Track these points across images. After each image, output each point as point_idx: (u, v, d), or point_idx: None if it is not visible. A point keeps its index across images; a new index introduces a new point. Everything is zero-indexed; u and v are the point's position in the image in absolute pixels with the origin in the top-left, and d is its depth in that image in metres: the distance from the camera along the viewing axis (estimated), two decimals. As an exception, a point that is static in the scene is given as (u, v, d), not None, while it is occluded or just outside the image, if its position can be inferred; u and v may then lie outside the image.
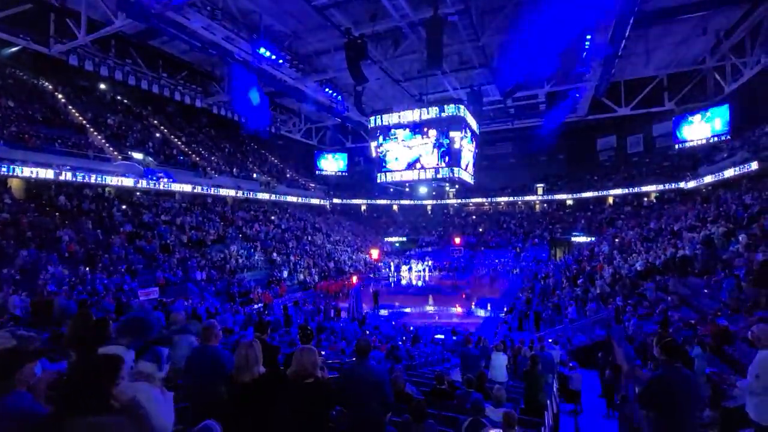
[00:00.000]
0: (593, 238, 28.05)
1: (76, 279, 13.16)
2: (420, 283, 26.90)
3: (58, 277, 12.83)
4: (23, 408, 1.70)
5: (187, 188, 23.30)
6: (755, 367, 3.18)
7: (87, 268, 14.20)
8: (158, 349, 2.15)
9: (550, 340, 12.04)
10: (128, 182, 19.93)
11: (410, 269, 28.76)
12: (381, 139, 13.98)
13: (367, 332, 13.76)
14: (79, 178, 17.71)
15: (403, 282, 27.38)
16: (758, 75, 17.26)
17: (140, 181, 20.39)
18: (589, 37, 13.22)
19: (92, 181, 18.27)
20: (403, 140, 13.56)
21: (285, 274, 21.66)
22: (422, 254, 34.05)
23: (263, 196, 29.26)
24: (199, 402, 2.98)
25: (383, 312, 19.91)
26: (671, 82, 20.85)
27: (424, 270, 29.01)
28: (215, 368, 2.86)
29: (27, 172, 16.07)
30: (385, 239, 38.19)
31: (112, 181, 19.15)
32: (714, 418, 4.64)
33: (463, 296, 23.07)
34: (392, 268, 29.53)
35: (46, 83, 21.18)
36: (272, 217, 28.73)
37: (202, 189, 24.16)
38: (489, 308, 20.15)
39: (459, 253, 32.70)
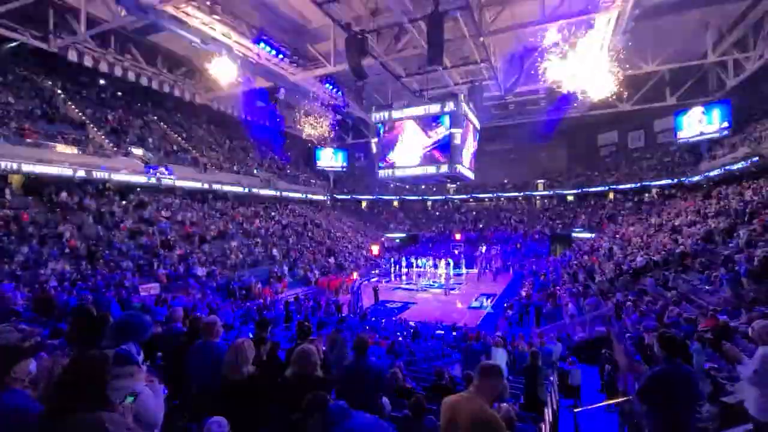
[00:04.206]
0: (594, 234, 28.08)
1: (77, 274, 13.19)
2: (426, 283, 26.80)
3: (59, 272, 12.86)
4: (18, 406, 1.70)
5: (188, 184, 23.31)
6: (755, 363, 3.18)
7: (88, 264, 14.23)
8: (123, 350, 2.16)
9: (551, 335, 12.08)
10: (129, 178, 19.93)
11: (410, 266, 28.55)
12: (381, 134, 13.93)
13: (367, 327, 13.82)
14: (80, 174, 17.72)
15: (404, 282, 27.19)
16: (760, 70, 17.19)
17: (140, 176, 20.39)
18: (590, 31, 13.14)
19: (93, 176, 18.28)
20: (403, 136, 13.52)
21: (285, 269, 21.69)
22: (424, 250, 33.95)
23: (264, 191, 29.27)
24: (200, 397, 2.99)
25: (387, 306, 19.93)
26: (673, 77, 20.78)
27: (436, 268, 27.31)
28: (215, 364, 2.87)
29: (27, 168, 16.07)
30: (386, 235, 38.20)
31: (113, 176, 19.15)
32: (713, 414, 4.66)
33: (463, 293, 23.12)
34: (393, 265, 29.46)
35: (46, 79, 21.11)
36: (272, 213, 28.73)
37: (202, 185, 24.15)
38: (489, 304, 20.20)
39: (460, 248, 32.73)
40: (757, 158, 18.76)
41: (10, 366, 1.77)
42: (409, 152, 13.49)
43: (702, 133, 23.22)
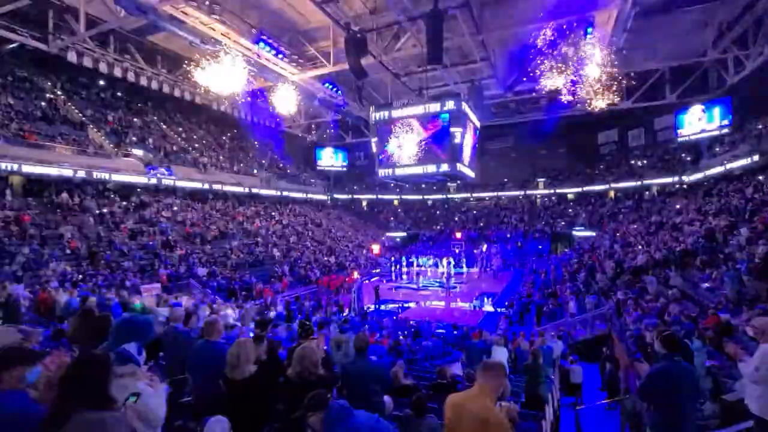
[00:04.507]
0: (595, 232, 28.06)
1: (79, 275, 13.21)
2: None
3: (60, 273, 12.87)
4: (17, 408, 1.68)
5: (188, 184, 23.33)
6: (756, 360, 3.18)
7: (89, 265, 14.25)
8: (121, 349, 2.17)
9: (552, 334, 12.08)
10: (129, 179, 19.95)
11: (410, 265, 28.48)
12: (381, 134, 13.94)
13: (367, 327, 13.81)
14: (80, 175, 17.74)
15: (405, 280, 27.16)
16: (761, 67, 17.13)
17: (141, 177, 20.41)
18: (590, 30, 13.13)
19: (93, 177, 18.30)
20: (403, 135, 13.52)
21: (286, 269, 21.71)
22: (425, 248, 33.90)
23: (264, 191, 29.28)
24: (201, 397, 3.00)
25: (385, 306, 19.94)
26: (673, 74, 20.72)
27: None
28: (217, 364, 2.88)
29: (28, 169, 16.08)
30: (386, 234, 38.22)
31: (113, 177, 19.17)
32: (714, 411, 4.67)
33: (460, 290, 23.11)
34: (393, 264, 29.44)
35: (46, 80, 21.12)
36: (273, 213, 28.75)
37: (203, 185, 24.17)
38: (490, 302, 20.19)
39: (460, 247, 32.72)
40: (757, 156, 18.73)
41: (11, 368, 1.76)
42: (409, 151, 13.50)
43: (703, 131, 23.18)
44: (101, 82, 23.85)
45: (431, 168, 13.13)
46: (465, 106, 12.94)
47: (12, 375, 1.76)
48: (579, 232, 30.74)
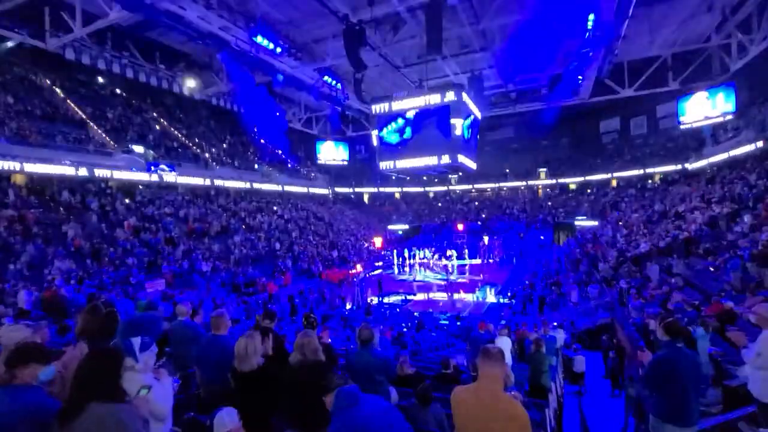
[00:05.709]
0: (597, 222, 28.00)
1: (84, 273, 13.29)
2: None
3: (65, 271, 12.96)
4: (34, 402, 1.72)
5: (189, 180, 23.35)
6: (758, 345, 3.20)
7: (93, 262, 14.33)
8: (125, 343, 2.20)
9: (554, 323, 12.14)
10: (130, 176, 19.97)
11: (413, 257, 28.44)
12: (382, 126, 13.86)
13: (371, 319, 13.90)
14: (82, 173, 17.78)
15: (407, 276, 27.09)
16: (765, 52, 16.91)
17: (142, 174, 20.43)
18: (592, 16, 12.99)
19: (94, 175, 18.34)
20: (404, 127, 13.45)
21: (289, 263, 21.78)
22: (427, 240, 33.87)
23: (265, 186, 29.28)
24: (209, 390, 3.05)
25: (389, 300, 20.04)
26: (675, 61, 20.50)
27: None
28: (224, 357, 2.91)
29: (30, 168, 16.12)
30: (388, 227, 38.23)
31: (114, 175, 19.20)
32: (717, 397, 4.70)
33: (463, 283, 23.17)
34: (396, 256, 29.45)
35: (45, 78, 21.06)
36: (275, 208, 28.76)
37: (204, 181, 24.19)
38: (493, 293, 20.26)
39: (462, 239, 32.71)
40: (761, 142, 18.58)
41: (18, 364, 1.78)
42: (409, 144, 13.43)
43: (706, 118, 22.96)
44: (100, 79, 23.76)
45: (432, 160, 13.05)
46: (466, 97, 12.83)
47: (27, 371, 1.79)
48: (581, 222, 30.65)
